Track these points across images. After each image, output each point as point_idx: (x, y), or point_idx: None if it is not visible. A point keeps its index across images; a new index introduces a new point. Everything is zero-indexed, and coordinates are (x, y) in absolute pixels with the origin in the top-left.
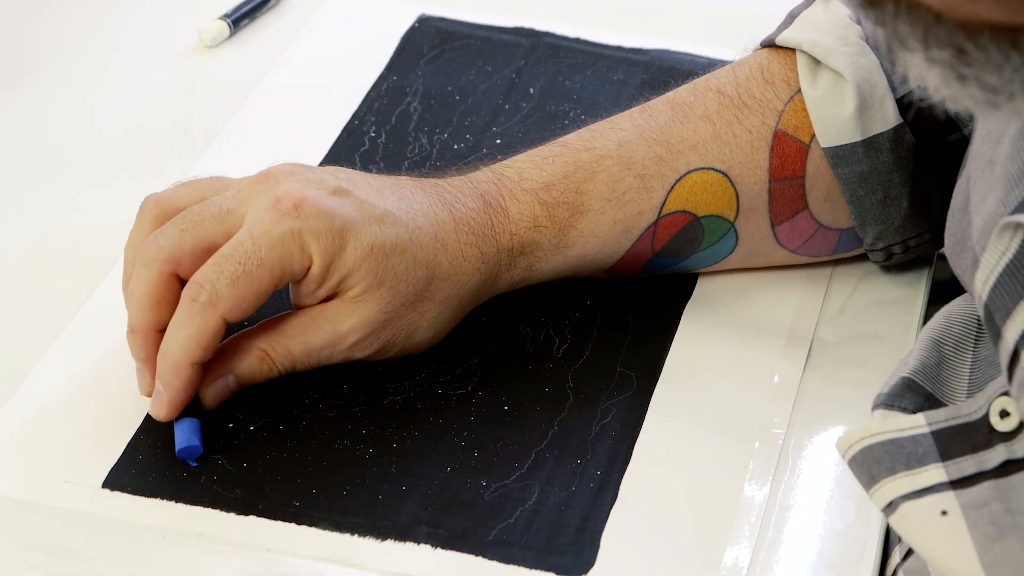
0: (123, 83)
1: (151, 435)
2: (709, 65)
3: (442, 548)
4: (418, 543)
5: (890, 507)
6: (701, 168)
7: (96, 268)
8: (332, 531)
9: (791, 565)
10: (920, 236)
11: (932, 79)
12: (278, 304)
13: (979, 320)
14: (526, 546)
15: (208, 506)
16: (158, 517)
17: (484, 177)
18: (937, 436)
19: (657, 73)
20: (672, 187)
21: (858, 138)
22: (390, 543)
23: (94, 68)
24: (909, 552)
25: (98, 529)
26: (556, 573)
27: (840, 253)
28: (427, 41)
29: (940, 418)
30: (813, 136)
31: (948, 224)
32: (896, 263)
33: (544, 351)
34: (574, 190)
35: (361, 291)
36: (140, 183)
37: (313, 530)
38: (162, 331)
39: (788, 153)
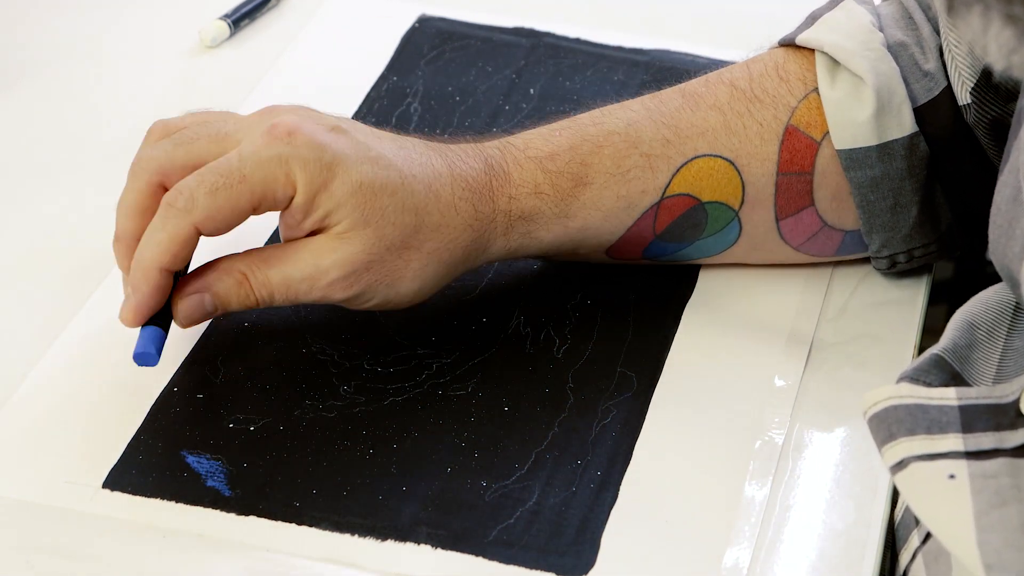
0: (123, 83)
1: (151, 435)
2: (709, 65)
3: (442, 548)
4: (418, 543)
5: (899, 465)
6: (708, 155)
7: (96, 268)
8: (332, 531)
9: (791, 565)
10: (925, 247)
11: (1003, 40)
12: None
13: (1015, 309)
14: (526, 546)
15: (208, 506)
16: (158, 517)
17: (491, 144)
18: (963, 411)
19: (657, 73)
20: (678, 170)
21: (873, 142)
22: (390, 543)
23: (94, 68)
24: (928, 536)
25: (98, 529)
26: (556, 573)
27: (843, 255)
28: (427, 41)
29: (971, 395)
30: (825, 134)
31: (993, 216)
32: (898, 272)
33: (544, 351)
34: (579, 162)
35: (346, 227)
36: None
37: (313, 530)
38: None
39: (798, 148)
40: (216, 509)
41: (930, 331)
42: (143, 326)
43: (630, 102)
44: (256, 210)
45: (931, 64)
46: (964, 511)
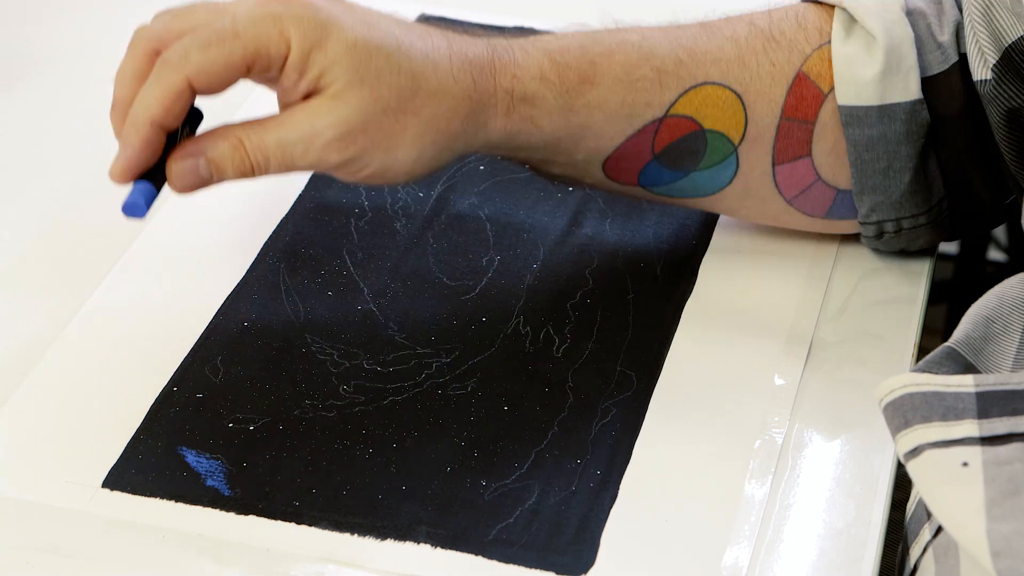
0: None
1: (151, 435)
2: None
3: (442, 548)
4: (418, 543)
5: (914, 452)
6: (718, 83)
7: (96, 268)
8: (332, 531)
9: (791, 565)
10: (914, 218)
11: None
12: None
13: None
14: (526, 546)
15: (208, 506)
16: (158, 517)
17: (498, 38)
18: (980, 397)
19: None
20: (686, 91)
21: (875, 102)
22: (390, 543)
23: (94, 68)
24: (939, 531)
25: (98, 529)
26: (556, 573)
27: (834, 218)
28: None
29: (989, 382)
30: (832, 88)
31: None
32: (886, 246)
33: (544, 351)
34: (588, 60)
35: (341, 87)
36: None
37: (313, 530)
38: None
39: (805, 96)
40: (216, 509)
41: (930, 331)
42: (136, 181)
43: (648, 25)
44: (250, 69)
45: (946, 37)
46: (976, 499)
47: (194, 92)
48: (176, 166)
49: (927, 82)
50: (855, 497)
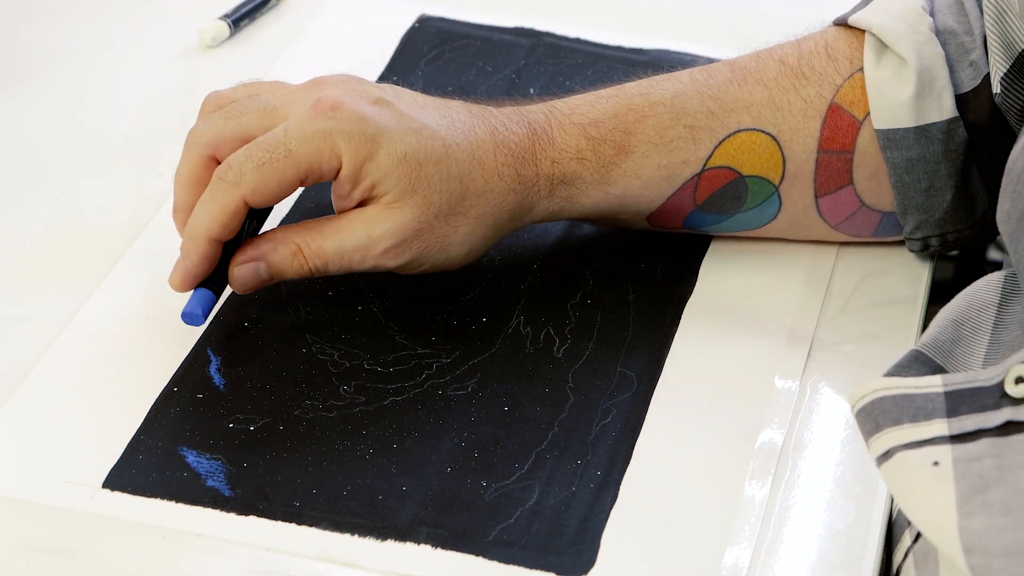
0: (123, 83)
1: (151, 435)
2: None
3: (442, 548)
4: (418, 543)
5: (886, 456)
6: (751, 129)
7: (96, 268)
8: (332, 531)
9: (791, 565)
10: (959, 232)
11: None
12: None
13: (999, 304)
14: (526, 546)
15: (208, 506)
16: (158, 517)
17: (536, 108)
18: (949, 396)
19: (656, 73)
20: (720, 142)
21: (911, 124)
22: (390, 543)
23: (94, 68)
24: (919, 535)
25: (98, 529)
26: (556, 573)
27: (880, 237)
28: (427, 41)
29: (956, 380)
30: (867, 114)
31: (1003, 193)
32: (932, 254)
33: (544, 351)
34: (622, 130)
35: (394, 197)
36: (140, 183)
37: (313, 530)
38: None
39: (840, 126)
40: (216, 509)
41: None
42: (195, 288)
43: (679, 73)
44: (303, 182)
45: (977, 52)
46: (947, 498)
47: (249, 207)
48: (238, 271)
49: (961, 99)
50: (855, 498)
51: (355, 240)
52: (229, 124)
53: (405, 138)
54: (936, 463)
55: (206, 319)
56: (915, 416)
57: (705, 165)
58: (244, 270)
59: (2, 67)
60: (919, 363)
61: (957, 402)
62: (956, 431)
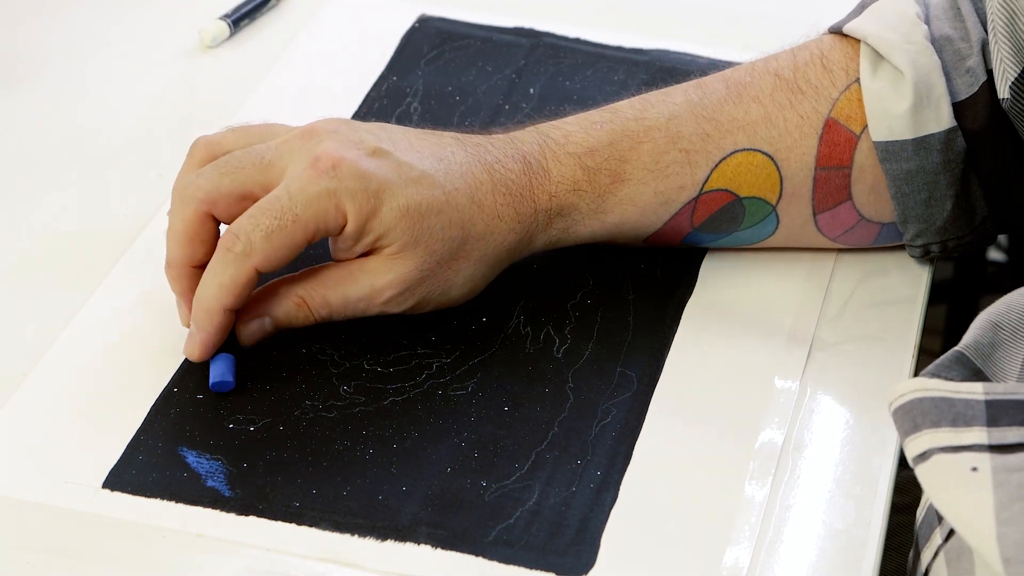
0: (123, 83)
1: (151, 435)
2: (710, 65)
3: (442, 548)
4: (418, 543)
5: (922, 456)
6: (748, 149)
7: (96, 268)
8: (332, 531)
9: (791, 565)
10: (959, 239)
11: None
12: (319, 256)
13: None
14: (526, 546)
15: (208, 506)
16: (158, 517)
17: (529, 138)
18: (989, 405)
19: (657, 73)
20: (716, 165)
21: (909, 136)
22: (390, 543)
23: (94, 68)
24: (950, 534)
25: (98, 529)
26: (556, 573)
27: (880, 244)
28: (427, 41)
29: (998, 391)
30: (864, 127)
31: None
32: (933, 259)
33: (544, 351)
34: (617, 158)
35: (397, 249)
36: (140, 183)
37: (313, 530)
38: (196, 266)
39: (837, 142)
40: (216, 509)
41: (930, 332)
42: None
43: (673, 91)
44: (310, 242)
45: (973, 59)
46: (985, 504)
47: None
48: (245, 329)
49: (959, 107)
50: (855, 498)
51: (359, 291)
52: (225, 180)
53: (406, 190)
54: (975, 468)
55: (235, 381)
56: (955, 421)
57: (702, 189)
58: (251, 327)
59: (2, 67)
60: (960, 365)
61: (998, 412)
62: (996, 441)
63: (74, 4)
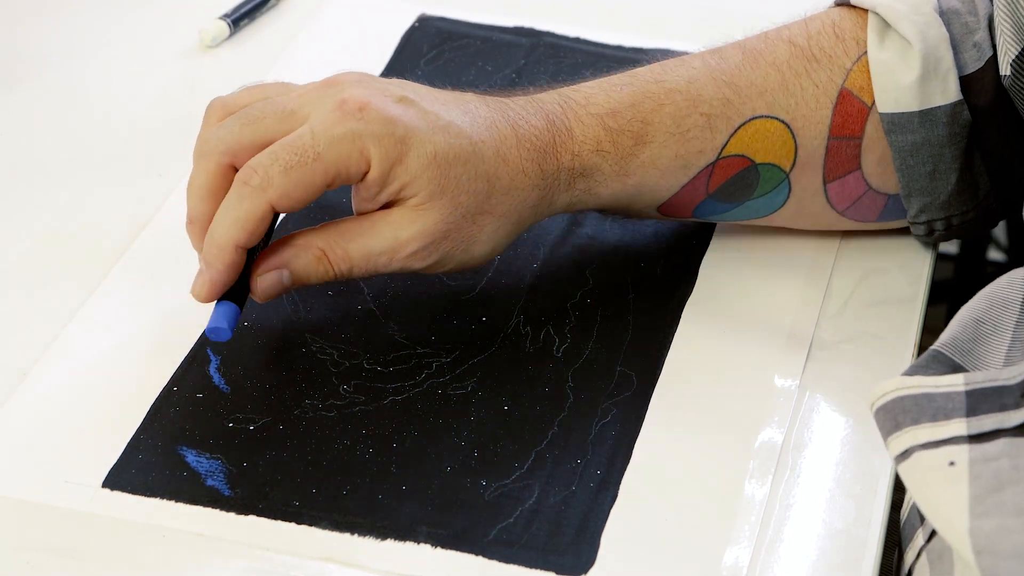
0: (123, 83)
1: (151, 434)
2: None
3: (442, 548)
4: (418, 543)
5: (904, 455)
6: (766, 116)
7: (96, 268)
8: (332, 531)
9: (791, 565)
10: (963, 214)
11: None
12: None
13: (1022, 302)
14: (526, 546)
15: (208, 506)
16: (158, 517)
17: (550, 98)
18: (970, 395)
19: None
20: (736, 130)
21: (915, 108)
22: (390, 543)
23: (94, 68)
24: (932, 535)
25: (98, 529)
26: (556, 573)
27: (885, 220)
28: (427, 41)
29: (978, 380)
30: (875, 100)
31: None
32: (937, 240)
33: (544, 350)
34: (640, 119)
35: (423, 199)
36: (140, 183)
37: (313, 530)
38: None
39: (850, 113)
40: (216, 509)
41: (930, 331)
42: (217, 301)
43: (690, 58)
44: (330, 186)
45: (980, 34)
46: (960, 498)
47: (275, 212)
48: (261, 280)
49: (965, 81)
50: (855, 497)
51: (382, 243)
52: (247, 130)
53: (434, 137)
54: (952, 463)
55: (232, 332)
56: (935, 415)
57: (720, 154)
58: (267, 279)
59: (2, 67)
60: (937, 363)
61: (978, 401)
62: (975, 431)
63: (74, 4)
